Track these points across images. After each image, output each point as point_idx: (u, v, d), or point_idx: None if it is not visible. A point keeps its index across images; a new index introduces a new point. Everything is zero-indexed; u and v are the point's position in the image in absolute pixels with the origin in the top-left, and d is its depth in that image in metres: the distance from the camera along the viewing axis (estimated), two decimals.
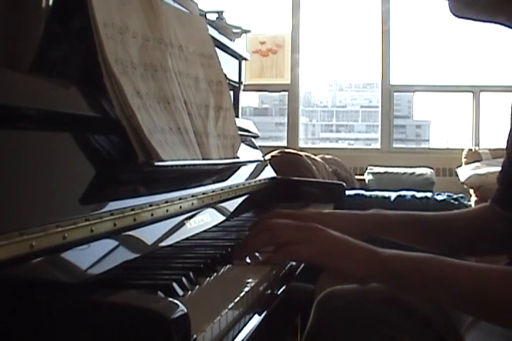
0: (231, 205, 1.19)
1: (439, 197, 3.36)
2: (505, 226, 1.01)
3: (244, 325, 0.64)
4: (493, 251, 1.06)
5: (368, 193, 3.28)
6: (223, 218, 1.12)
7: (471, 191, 3.83)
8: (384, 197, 3.24)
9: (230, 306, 0.61)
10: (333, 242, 0.82)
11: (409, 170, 4.09)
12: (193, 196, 0.99)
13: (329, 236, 0.82)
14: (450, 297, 0.78)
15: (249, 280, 0.73)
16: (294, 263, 0.93)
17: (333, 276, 0.82)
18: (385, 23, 4.61)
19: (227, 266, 0.79)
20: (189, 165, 0.96)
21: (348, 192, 2.39)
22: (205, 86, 1.11)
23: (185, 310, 0.48)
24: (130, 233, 0.78)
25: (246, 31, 1.92)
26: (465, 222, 1.09)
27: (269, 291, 0.76)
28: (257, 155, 1.52)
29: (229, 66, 1.62)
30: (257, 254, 0.85)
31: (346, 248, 0.81)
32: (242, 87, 1.77)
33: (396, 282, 0.80)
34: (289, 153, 3.05)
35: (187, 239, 0.92)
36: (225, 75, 1.22)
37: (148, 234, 0.82)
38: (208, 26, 1.24)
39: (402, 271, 0.79)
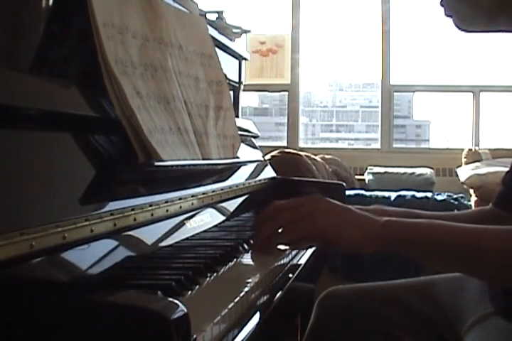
0: (231, 205, 1.19)
1: (439, 197, 3.36)
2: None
3: (244, 325, 0.64)
4: None
5: (368, 193, 3.28)
6: (223, 218, 1.12)
7: (471, 191, 3.83)
8: (384, 197, 3.24)
9: (229, 306, 0.61)
10: (331, 212, 0.81)
11: (409, 170, 4.09)
12: (193, 196, 0.99)
13: (327, 204, 0.82)
14: (448, 260, 0.79)
15: (249, 280, 0.73)
16: (293, 262, 0.93)
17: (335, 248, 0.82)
18: (385, 23, 4.60)
19: (227, 266, 0.79)
20: (189, 165, 0.96)
21: (348, 192, 2.39)
22: (205, 86, 1.11)
23: (185, 310, 0.48)
24: (130, 233, 0.78)
25: (246, 31, 1.92)
26: (466, 222, 1.09)
27: (269, 291, 0.76)
28: (257, 155, 1.52)
29: (229, 66, 1.62)
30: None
31: (345, 215, 0.81)
32: (242, 87, 1.77)
33: (396, 247, 0.80)
34: (289, 153, 3.05)
35: (187, 239, 0.92)
36: (225, 75, 1.22)
37: (148, 234, 0.82)
38: (208, 26, 1.24)
39: (402, 235, 0.79)
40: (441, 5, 0.91)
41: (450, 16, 0.91)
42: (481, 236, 0.77)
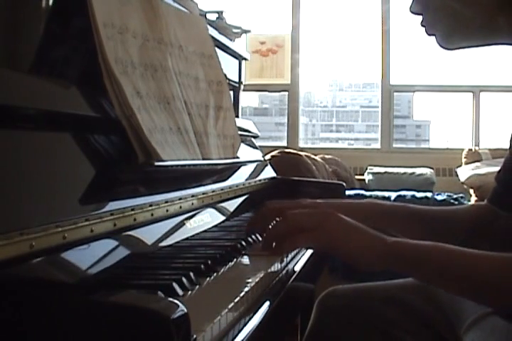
0: (231, 205, 1.19)
1: (439, 197, 3.36)
2: (504, 227, 1.00)
3: (245, 324, 0.64)
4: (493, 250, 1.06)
5: (368, 193, 3.28)
6: (223, 218, 1.12)
7: (471, 191, 3.83)
8: (384, 197, 3.24)
9: (230, 306, 0.61)
10: (343, 227, 0.82)
11: (409, 170, 4.09)
12: (193, 196, 0.99)
13: (340, 222, 0.82)
14: (451, 284, 0.80)
15: (249, 280, 0.73)
16: (293, 263, 0.93)
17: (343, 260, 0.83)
18: (385, 23, 4.61)
19: (227, 266, 0.79)
20: (189, 165, 0.96)
21: (348, 192, 2.39)
22: (205, 86, 1.11)
23: (185, 310, 0.48)
24: (130, 233, 0.78)
25: (246, 31, 1.92)
26: (463, 219, 1.08)
27: (269, 291, 0.76)
28: (257, 155, 1.52)
29: (229, 66, 1.62)
30: None
31: (356, 233, 0.82)
32: (242, 87, 1.77)
33: (401, 268, 0.81)
34: (289, 153, 3.05)
35: (187, 239, 0.92)
36: (225, 75, 1.22)
37: (148, 234, 0.82)
38: (208, 26, 1.24)
39: (407, 257, 0.80)
40: (422, 25, 0.91)
41: (433, 35, 0.90)
42: (481, 261, 0.78)
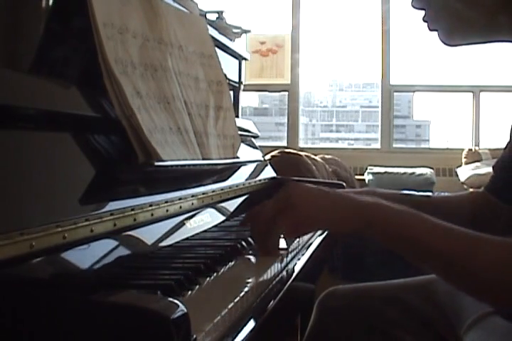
0: (231, 205, 1.18)
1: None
2: (501, 216, 1.00)
3: (244, 325, 0.64)
4: None
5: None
6: (223, 218, 1.12)
7: (471, 191, 3.83)
8: None
9: (230, 306, 0.61)
10: (308, 195, 0.80)
11: (409, 170, 4.09)
12: (193, 196, 0.99)
13: (302, 192, 0.81)
14: (417, 254, 0.76)
15: (249, 280, 0.73)
16: (293, 263, 0.93)
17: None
18: (385, 23, 4.61)
19: (227, 266, 0.79)
20: (189, 165, 0.96)
21: None
22: (205, 86, 1.11)
23: (185, 310, 0.48)
24: (130, 233, 0.78)
25: (246, 31, 1.92)
26: (463, 207, 1.08)
27: (269, 291, 0.76)
28: (257, 155, 1.52)
29: (229, 66, 1.62)
30: None
31: (321, 196, 0.80)
32: (242, 87, 1.77)
33: (372, 233, 0.77)
34: (289, 153, 3.05)
35: (187, 239, 0.92)
36: (225, 75, 1.22)
37: (148, 234, 0.82)
38: (208, 26, 1.24)
39: (381, 224, 0.76)
40: (424, 21, 0.91)
41: (435, 30, 0.90)
42: (479, 246, 0.73)
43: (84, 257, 0.67)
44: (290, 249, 0.92)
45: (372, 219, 0.76)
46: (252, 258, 0.87)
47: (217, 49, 1.23)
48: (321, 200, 0.80)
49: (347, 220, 0.78)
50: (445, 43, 0.90)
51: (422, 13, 0.90)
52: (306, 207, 0.79)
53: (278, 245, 0.85)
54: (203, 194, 1.04)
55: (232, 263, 0.82)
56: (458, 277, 0.74)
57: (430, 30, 0.90)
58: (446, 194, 1.21)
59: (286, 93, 4.79)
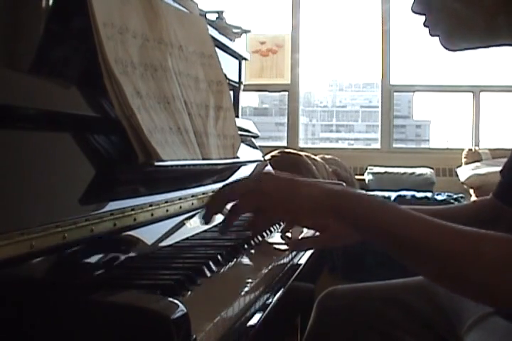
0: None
1: (439, 197, 3.36)
2: (505, 221, 1.00)
3: (245, 324, 0.64)
4: None
5: (368, 193, 3.27)
6: (223, 218, 1.12)
7: (471, 191, 3.83)
8: (384, 197, 3.24)
9: (230, 306, 0.61)
10: (277, 180, 0.80)
11: (409, 170, 4.09)
12: (193, 196, 0.99)
13: (272, 177, 0.81)
14: (389, 243, 0.75)
15: (249, 280, 0.73)
16: (293, 262, 0.93)
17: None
18: (385, 23, 4.61)
19: (227, 266, 0.79)
20: (189, 165, 0.96)
21: None
22: (205, 86, 1.11)
23: (185, 310, 0.48)
24: (130, 233, 0.78)
25: (246, 31, 1.92)
26: (467, 216, 1.07)
27: (269, 291, 0.76)
28: (257, 155, 1.52)
29: (229, 66, 1.62)
30: None
31: (290, 181, 0.79)
32: (242, 87, 1.77)
33: (344, 220, 0.76)
34: (289, 153, 3.04)
35: (187, 239, 0.92)
36: (225, 75, 1.22)
37: (148, 234, 0.82)
38: (208, 26, 1.24)
39: (347, 206, 0.75)
40: (425, 26, 0.91)
41: (436, 35, 0.90)
42: (481, 242, 0.69)
43: (84, 257, 0.67)
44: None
45: (339, 207, 0.75)
46: (252, 258, 0.87)
47: (217, 49, 1.23)
48: (287, 189, 0.78)
49: (311, 210, 0.76)
50: (447, 48, 0.90)
51: (423, 18, 0.90)
52: (273, 195, 0.78)
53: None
54: (203, 194, 1.04)
55: (232, 263, 0.82)
56: (451, 277, 0.71)
57: (431, 35, 0.90)
58: (451, 205, 1.19)
59: (286, 93, 4.79)
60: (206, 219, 0.83)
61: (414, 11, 0.89)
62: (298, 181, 0.80)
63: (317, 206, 0.76)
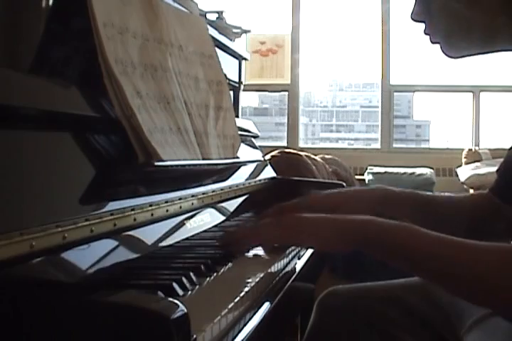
0: (231, 205, 1.19)
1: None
2: (502, 217, 1.00)
3: (244, 325, 0.64)
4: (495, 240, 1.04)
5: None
6: (223, 218, 1.12)
7: (471, 191, 3.83)
8: None
9: (230, 306, 0.61)
10: (306, 221, 0.81)
11: (409, 170, 4.10)
12: (193, 196, 0.99)
13: (303, 221, 0.81)
14: (413, 267, 0.76)
15: (249, 280, 0.73)
16: (293, 263, 0.93)
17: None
18: (385, 23, 4.61)
19: (227, 266, 0.79)
20: (189, 165, 0.96)
21: None
22: (205, 86, 1.11)
23: (185, 310, 0.48)
24: (130, 233, 0.78)
25: (246, 31, 1.92)
26: (468, 210, 1.07)
27: (269, 291, 0.76)
28: (257, 155, 1.52)
29: (229, 66, 1.62)
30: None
31: (315, 219, 0.81)
32: (242, 87, 1.77)
33: (368, 248, 0.78)
34: (289, 153, 3.04)
35: (187, 239, 0.92)
36: (225, 75, 1.22)
37: (148, 234, 0.82)
38: (208, 26, 1.24)
39: (374, 239, 0.77)
40: (426, 33, 0.91)
41: (437, 43, 0.91)
42: (478, 254, 0.72)
43: (84, 257, 0.67)
44: (290, 249, 0.92)
45: (368, 235, 0.77)
46: (253, 258, 0.87)
47: (217, 49, 1.23)
48: (322, 223, 0.80)
49: (344, 239, 0.79)
50: (448, 55, 0.91)
51: (423, 26, 0.91)
52: (309, 224, 0.80)
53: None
54: (203, 194, 1.04)
55: (232, 263, 0.82)
56: (458, 285, 0.73)
57: (432, 42, 0.91)
58: (447, 194, 1.20)
59: (286, 93, 4.79)
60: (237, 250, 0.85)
61: (414, 19, 0.90)
62: (324, 217, 0.81)
63: (345, 241, 0.79)
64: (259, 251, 0.88)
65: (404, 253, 0.75)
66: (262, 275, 0.75)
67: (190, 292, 0.65)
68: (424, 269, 0.75)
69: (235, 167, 1.29)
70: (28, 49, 0.85)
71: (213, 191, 1.09)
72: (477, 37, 0.88)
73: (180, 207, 0.94)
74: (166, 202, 0.88)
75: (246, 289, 0.68)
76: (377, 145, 4.72)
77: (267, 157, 2.38)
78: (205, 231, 1.00)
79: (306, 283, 1.04)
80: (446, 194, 1.18)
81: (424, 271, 0.76)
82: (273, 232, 0.81)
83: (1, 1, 0.81)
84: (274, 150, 3.00)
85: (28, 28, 0.85)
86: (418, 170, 4.10)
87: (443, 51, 0.91)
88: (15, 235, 0.56)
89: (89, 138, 0.80)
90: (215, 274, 0.74)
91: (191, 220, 0.97)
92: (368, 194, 1.03)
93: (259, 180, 1.43)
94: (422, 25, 0.91)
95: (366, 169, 4.21)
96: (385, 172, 4.11)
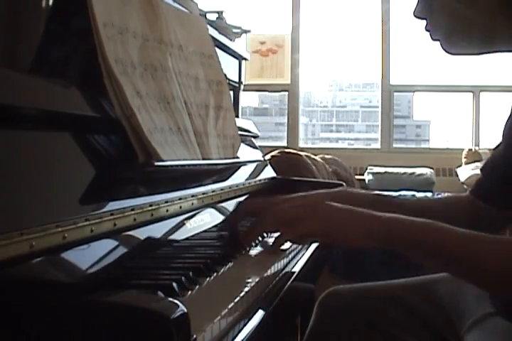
0: (231, 205, 1.18)
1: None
2: (485, 218, 1.00)
3: (245, 324, 0.64)
4: None
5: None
6: (223, 218, 1.12)
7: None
8: None
9: (230, 306, 0.61)
10: (332, 210, 0.83)
11: (409, 170, 4.09)
12: (193, 196, 0.99)
13: (330, 207, 0.83)
14: (443, 263, 0.79)
15: (249, 280, 0.73)
16: (293, 263, 0.93)
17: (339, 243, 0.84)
18: (385, 23, 4.61)
19: (227, 266, 0.79)
20: (189, 165, 0.96)
21: None
22: (205, 86, 1.11)
23: (185, 310, 0.48)
24: (130, 233, 0.78)
25: (246, 31, 1.92)
26: (444, 210, 1.07)
27: (269, 291, 0.76)
28: (257, 155, 1.52)
29: (229, 66, 1.62)
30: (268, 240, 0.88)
31: (345, 212, 0.82)
32: (242, 87, 1.76)
33: (396, 246, 0.80)
34: (289, 153, 3.04)
35: (187, 239, 0.92)
36: (225, 75, 1.22)
37: (148, 234, 0.82)
38: (208, 26, 1.23)
39: (400, 236, 0.79)
40: (427, 30, 0.92)
41: (437, 40, 0.91)
42: (482, 244, 0.76)
43: (84, 257, 0.67)
44: (290, 249, 0.92)
45: (391, 230, 0.79)
46: (253, 258, 0.87)
47: (217, 49, 1.23)
48: (346, 214, 0.82)
49: (371, 234, 0.80)
50: (447, 51, 0.91)
51: (424, 22, 0.91)
52: (335, 219, 0.82)
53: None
54: (203, 194, 1.04)
55: (232, 263, 0.82)
56: (480, 276, 0.76)
57: (433, 39, 0.91)
58: (429, 197, 1.21)
59: (286, 93, 4.79)
60: (246, 242, 0.87)
61: (416, 16, 0.90)
62: (352, 210, 0.83)
63: (369, 235, 0.80)
64: (259, 251, 0.88)
65: (430, 249, 0.77)
66: (262, 275, 0.75)
67: (190, 292, 0.65)
68: (452, 264, 0.78)
69: (235, 167, 1.29)
70: (28, 49, 0.85)
71: (213, 191, 1.09)
72: (477, 37, 0.88)
73: (180, 207, 0.94)
74: (166, 202, 0.88)
75: (246, 289, 0.68)
76: (377, 145, 4.72)
77: (267, 157, 2.38)
78: (205, 231, 1.00)
79: (306, 283, 1.04)
80: (421, 198, 1.19)
81: (452, 267, 0.78)
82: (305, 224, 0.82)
83: (1, 1, 0.81)
84: (274, 150, 3.00)
85: (28, 28, 0.85)
86: (418, 170, 4.10)
87: (442, 47, 0.91)
88: (15, 235, 0.56)
89: (89, 138, 0.80)
90: (215, 274, 0.74)
91: (191, 220, 0.97)
92: (331, 196, 1.04)
93: (259, 180, 1.43)
94: (423, 23, 0.92)
95: (366, 169, 4.21)
96: (385, 172, 4.11)
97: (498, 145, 1.03)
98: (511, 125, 1.00)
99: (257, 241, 0.96)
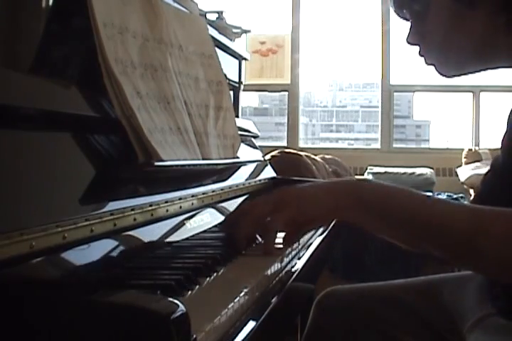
0: (231, 205, 1.18)
1: (439, 197, 3.36)
2: None
3: (244, 325, 0.64)
4: None
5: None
6: (223, 218, 1.12)
7: (471, 191, 3.83)
8: None
9: (230, 306, 0.61)
10: (298, 191, 0.82)
11: (409, 170, 4.09)
12: (193, 196, 0.99)
13: (296, 190, 0.82)
14: (410, 230, 0.75)
15: (249, 280, 0.73)
16: (293, 263, 0.93)
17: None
18: (385, 23, 4.60)
19: (227, 266, 0.79)
20: (189, 165, 0.96)
21: None
22: (205, 86, 1.11)
23: (185, 310, 0.48)
24: (130, 233, 0.78)
25: (246, 31, 1.92)
26: None
27: (269, 291, 0.76)
28: (257, 155, 1.52)
29: (229, 66, 1.62)
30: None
31: (311, 188, 0.82)
32: (242, 87, 1.77)
33: (364, 211, 0.77)
34: (289, 153, 3.04)
35: (187, 239, 0.92)
36: (225, 75, 1.22)
37: (148, 234, 0.82)
38: (208, 26, 1.24)
39: (370, 199, 0.76)
40: (421, 55, 0.92)
41: (432, 65, 0.92)
42: (484, 219, 0.70)
43: (84, 257, 0.67)
44: (290, 249, 0.92)
45: (363, 195, 0.76)
46: (253, 258, 0.86)
47: (217, 49, 1.23)
48: (312, 193, 0.81)
49: (342, 204, 0.77)
50: (443, 75, 0.93)
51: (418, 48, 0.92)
52: (302, 204, 0.80)
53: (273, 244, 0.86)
54: (203, 194, 1.04)
55: (232, 263, 0.82)
56: (463, 254, 0.72)
57: (427, 64, 0.93)
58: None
59: (286, 93, 4.79)
60: (239, 247, 0.84)
61: (409, 42, 0.92)
62: (317, 183, 0.84)
63: (341, 203, 0.77)
64: (258, 251, 0.88)
65: (405, 218, 0.74)
66: (261, 275, 0.75)
67: (190, 292, 0.65)
68: (424, 229, 0.73)
69: (235, 167, 1.29)
70: (28, 49, 0.85)
71: (213, 191, 1.09)
72: (469, 58, 0.90)
73: (180, 207, 0.94)
74: (166, 202, 0.88)
75: (246, 289, 0.68)
76: (377, 145, 4.72)
77: (267, 157, 2.38)
78: (205, 231, 1.00)
79: (306, 283, 1.04)
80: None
81: (423, 232, 0.74)
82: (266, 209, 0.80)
83: (1, 1, 0.81)
84: (274, 150, 3.00)
85: (28, 28, 0.85)
86: (418, 170, 4.10)
87: (438, 71, 0.92)
88: (15, 235, 0.56)
89: (89, 138, 0.80)
90: (215, 274, 0.74)
91: (191, 220, 0.97)
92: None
93: (259, 180, 1.43)
94: (421, 57, 0.93)
95: (366, 169, 4.20)
96: (385, 172, 4.11)
97: (498, 156, 1.02)
98: None
99: (257, 242, 0.96)
